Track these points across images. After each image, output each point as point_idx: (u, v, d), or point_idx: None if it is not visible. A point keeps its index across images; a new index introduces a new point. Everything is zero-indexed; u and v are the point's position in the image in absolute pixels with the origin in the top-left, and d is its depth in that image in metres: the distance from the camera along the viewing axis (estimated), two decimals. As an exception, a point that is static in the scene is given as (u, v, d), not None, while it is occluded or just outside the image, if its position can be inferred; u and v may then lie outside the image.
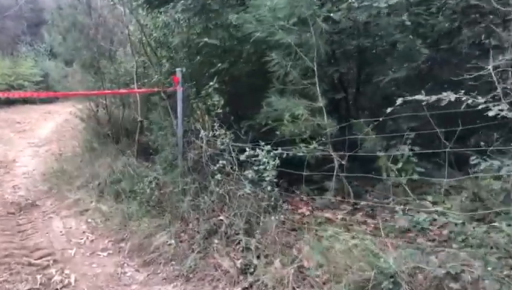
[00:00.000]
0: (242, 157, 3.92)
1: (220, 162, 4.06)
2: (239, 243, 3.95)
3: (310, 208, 4.68)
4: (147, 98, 6.52)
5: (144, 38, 6.22)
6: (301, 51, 3.57)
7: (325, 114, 3.54)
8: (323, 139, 3.45)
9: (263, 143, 3.80)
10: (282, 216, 3.80)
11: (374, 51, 4.38)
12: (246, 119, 4.93)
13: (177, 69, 4.65)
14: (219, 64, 4.68)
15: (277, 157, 3.61)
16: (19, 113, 17.62)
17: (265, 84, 4.77)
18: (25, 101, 20.22)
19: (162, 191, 4.73)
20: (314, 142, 3.45)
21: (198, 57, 5.22)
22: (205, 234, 4.13)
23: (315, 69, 3.52)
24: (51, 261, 4.32)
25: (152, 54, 6.31)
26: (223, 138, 4.14)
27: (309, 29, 3.62)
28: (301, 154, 3.48)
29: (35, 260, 4.37)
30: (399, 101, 2.92)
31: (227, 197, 4.23)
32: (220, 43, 4.65)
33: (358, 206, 4.43)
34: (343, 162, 3.33)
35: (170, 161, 4.96)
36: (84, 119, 9.05)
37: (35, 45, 24.50)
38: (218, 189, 4.32)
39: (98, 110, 8.66)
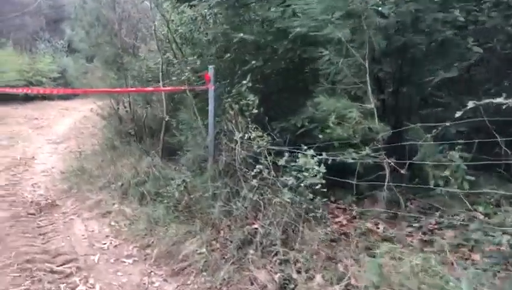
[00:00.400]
0: (281, 162, 3.60)
1: (257, 167, 3.74)
2: (276, 254, 3.63)
3: (347, 216, 4.35)
4: (171, 97, 6.24)
5: (169, 34, 5.94)
6: (352, 47, 3.24)
7: (376, 117, 3.20)
8: (378, 144, 3.11)
9: (305, 147, 3.47)
10: (327, 228, 3.46)
11: (422, 49, 4.01)
12: (279, 120, 4.62)
13: (209, 66, 4.34)
14: (253, 62, 4.36)
15: (322, 164, 3.27)
16: (37, 109, 17.51)
17: (303, 83, 4.46)
18: (43, 97, 20.13)
19: (191, 196, 4.42)
20: (366, 148, 3.11)
21: (229, 54, 4.90)
22: (239, 244, 3.81)
23: (367, 66, 3.19)
24: (74, 269, 4.04)
25: (178, 51, 6.02)
26: (259, 141, 3.82)
27: (357, 23, 3.29)
28: (351, 161, 3.15)
29: (57, 266, 4.09)
30: (470, 104, 2.56)
31: (261, 204, 3.92)
32: (255, 39, 4.32)
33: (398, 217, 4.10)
34: (402, 171, 2.98)
35: (199, 163, 4.66)
36: (105, 116, 8.81)
37: (54, 42, 24.43)
38: (251, 195, 4.01)
39: (118, 108, 8.43)
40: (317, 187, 3.37)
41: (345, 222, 4.28)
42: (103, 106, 9.48)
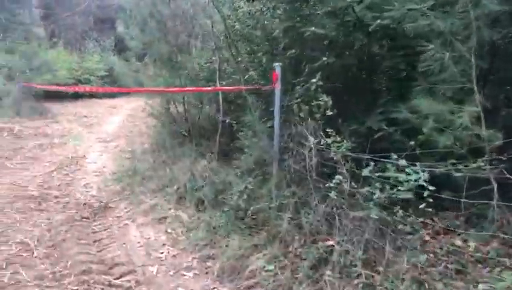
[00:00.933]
0: (365, 172, 3.13)
1: (336, 177, 3.29)
2: (357, 277, 3.18)
3: (429, 231, 3.84)
4: (227, 97, 5.88)
5: (226, 30, 5.56)
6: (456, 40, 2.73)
7: (483, 122, 2.69)
8: (492, 155, 2.60)
9: (395, 156, 2.99)
10: (425, 256, 2.98)
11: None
12: (348, 122, 4.14)
13: (276, 64, 3.92)
14: (324, 58, 3.90)
15: (423, 176, 2.78)
16: (86, 107, 17.69)
17: (379, 82, 3.97)
18: (91, 95, 20.40)
19: (257, 206, 4.03)
20: (478, 159, 2.61)
21: (293, 50, 4.46)
22: (313, 262, 3.38)
23: (473, 62, 2.67)
24: (133, 282, 3.72)
25: (234, 48, 5.64)
26: (337, 147, 3.37)
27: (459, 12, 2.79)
28: (460, 174, 2.66)
29: (115, 279, 3.79)
30: None
31: (337, 217, 3.47)
32: (326, 33, 3.87)
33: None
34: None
35: (262, 169, 4.26)
36: (155, 116, 8.57)
37: (101, 41, 24.73)
38: (324, 206, 3.58)
39: (169, 108, 8.17)
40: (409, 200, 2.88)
41: (427, 238, 3.77)
42: (153, 104, 9.28)
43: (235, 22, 5.90)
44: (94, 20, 26.74)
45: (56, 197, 6.29)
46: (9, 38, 16.37)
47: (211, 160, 5.35)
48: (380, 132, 3.82)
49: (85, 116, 15.21)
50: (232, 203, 4.28)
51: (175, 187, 5.42)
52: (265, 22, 5.23)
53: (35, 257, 4.21)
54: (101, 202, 6.14)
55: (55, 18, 22.86)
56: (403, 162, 2.89)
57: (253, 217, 4.14)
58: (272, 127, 4.07)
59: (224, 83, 5.52)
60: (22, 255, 4.22)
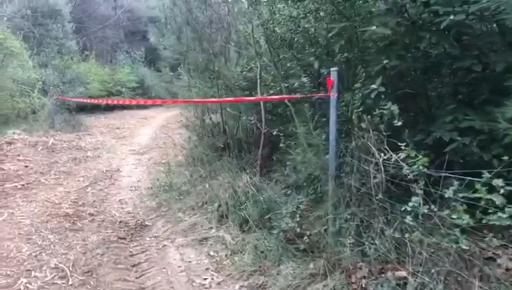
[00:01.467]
0: (449, 193, 2.64)
1: (413, 199, 2.80)
2: (440, 316, 2.69)
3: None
4: (269, 106, 5.46)
5: (266, 36, 5.17)
6: None
7: None
8: None
9: (486, 173, 2.49)
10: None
11: None
12: (411, 132, 3.64)
13: (332, 69, 3.47)
14: (385, 61, 3.43)
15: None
16: (117, 118, 17.66)
17: (449, 87, 3.48)
18: (123, 107, 20.44)
19: (313, 230, 3.57)
20: None
21: (345, 54, 4.01)
22: (385, 297, 2.90)
23: None
24: (177, 316, 3.34)
25: (275, 55, 5.23)
26: (411, 162, 2.88)
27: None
28: None
29: (157, 312, 3.41)
30: None
31: (408, 244, 2.98)
32: (387, 32, 3.40)
33: None
34: None
35: (314, 187, 3.80)
36: (189, 127, 8.25)
37: (132, 53, 24.86)
38: (391, 231, 3.09)
39: (204, 119, 7.84)
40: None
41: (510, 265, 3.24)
42: (188, 115, 8.98)
43: (275, 26, 5.49)
44: (124, 33, 26.99)
45: (91, 214, 5.98)
46: (43, 52, 16.46)
47: (253, 175, 4.93)
48: (452, 144, 3.31)
49: (117, 128, 15.11)
50: (282, 225, 3.83)
51: (215, 205, 5.00)
52: (311, 24, 4.81)
53: (71, 284, 3.87)
54: (137, 219, 5.82)
55: (86, 31, 23.07)
56: (498, 181, 2.39)
57: (308, 241, 3.67)
58: (326, 139, 3.61)
59: (264, 92, 5.10)
60: (57, 283, 3.89)
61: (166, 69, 16.96)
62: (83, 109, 16.96)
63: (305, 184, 3.96)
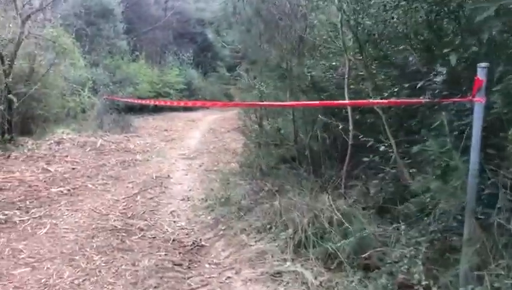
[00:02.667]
0: None
1: None
2: None
3: None
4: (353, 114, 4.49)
5: (353, 28, 4.23)
6: None
7: None
8: None
9: None
10: None
11: None
12: None
13: (481, 65, 2.48)
14: None
15: None
16: (165, 120, 17.09)
17: None
18: (171, 109, 19.94)
19: (438, 283, 2.58)
20: None
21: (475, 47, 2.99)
22: None
23: None
24: None
25: (365, 51, 4.28)
26: None
27: None
28: None
29: None
30: None
31: None
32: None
33: None
34: None
35: (440, 223, 2.80)
36: (246, 133, 7.38)
37: (180, 54, 24.45)
38: None
39: (262, 124, 6.96)
40: None
41: None
42: (244, 119, 8.13)
43: (362, 18, 4.53)
44: (173, 35, 26.62)
45: (141, 229, 5.21)
46: (94, 51, 16.14)
47: (336, 197, 3.98)
48: None
49: (165, 130, 14.49)
50: (393, 270, 2.86)
51: (290, 230, 4.07)
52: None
53: (119, 330, 3.05)
54: (192, 237, 5.00)
55: (137, 32, 22.82)
56: None
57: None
58: (466, 160, 2.60)
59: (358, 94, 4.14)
60: (102, 328, 3.08)
61: (223, 69, 16.01)
62: (132, 109, 16.48)
63: (422, 215, 2.96)
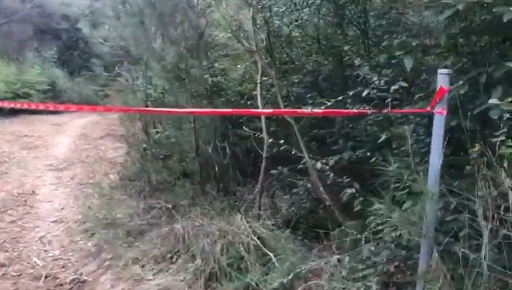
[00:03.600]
0: None
1: None
2: None
3: None
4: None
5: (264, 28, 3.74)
6: None
7: None
8: None
9: None
10: None
11: None
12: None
13: (442, 72, 2.11)
14: (509, 63, 2.16)
15: None
16: (25, 124, 14.79)
17: None
18: (31, 112, 17.51)
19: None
20: None
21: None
22: None
23: None
24: None
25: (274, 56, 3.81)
26: None
27: None
28: None
29: None
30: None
31: None
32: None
33: None
34: None
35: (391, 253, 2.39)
36: (132, 143, 6.44)
37: (42, 52, 21.80)
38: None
39: (149, 131, 6.15)
40: None
41: None
42: (127, 125, 7.15)
43: (269, 17, 4.06)
44: (34, 30, 23.64)
45: (2, 265, 4.06)
46: None
47: (253, 218, 3.41)
48: None
49: (26, 136, 12.49)
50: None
51: (198, 261, 3.36)
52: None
53: None
54: (69, 270, 4.03)
55: (-12, 24, 19.70)
56: None
57: None
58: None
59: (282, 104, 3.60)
60: None
61: (100, 68, 13.92)
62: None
63: (358, 241, 2.53)
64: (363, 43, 3.80)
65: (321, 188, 3.52)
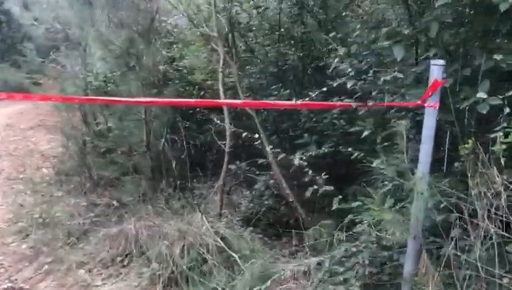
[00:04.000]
0: None
1: None
2: None
3: None
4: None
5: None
6: None
7: None
8: None
9: None
10: None
11: None
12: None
13: (435, 62, 1.96)
14: (496, 56, 2.07)
15: None
16: None
17: None
18: None
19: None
20: None
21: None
22: None
23: None
24: None
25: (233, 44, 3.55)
26: None
27: None
28: None
29: None
30: None
31: None
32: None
33: None
34: None
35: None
36: (70, 134, 5.84)
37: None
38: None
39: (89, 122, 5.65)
40: None
41: None
42: (62, 114, 6.50)
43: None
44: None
45: None
46: None
47: (215, 217, 3.14)
48: None
49: None
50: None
51: (155, 265, 3.03)
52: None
53: None
54: (7, 282, 3.52)
55: None
56: None
57: None
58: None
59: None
60: None
61: (32, 52, 12.37)
62: None
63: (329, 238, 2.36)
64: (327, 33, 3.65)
65: (284, 184, 3.34)
